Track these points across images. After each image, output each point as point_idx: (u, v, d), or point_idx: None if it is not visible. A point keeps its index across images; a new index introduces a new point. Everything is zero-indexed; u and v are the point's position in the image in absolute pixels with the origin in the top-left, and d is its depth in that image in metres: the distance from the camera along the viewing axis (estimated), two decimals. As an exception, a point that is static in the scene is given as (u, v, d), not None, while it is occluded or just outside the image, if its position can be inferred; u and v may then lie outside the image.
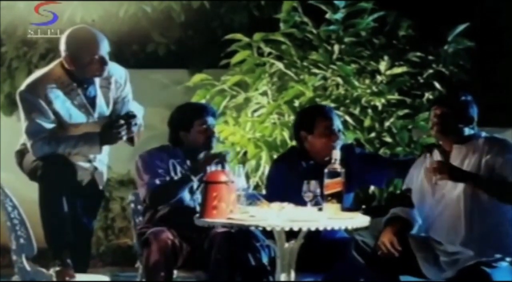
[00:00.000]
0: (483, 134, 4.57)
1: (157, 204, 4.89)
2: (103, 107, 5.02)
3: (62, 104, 4.89)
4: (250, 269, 4.67)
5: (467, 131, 4.53)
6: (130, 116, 4.93)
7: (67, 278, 4.68)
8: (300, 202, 4.43)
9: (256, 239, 4.68)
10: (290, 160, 4.93)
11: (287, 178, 4.77)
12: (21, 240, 4.72)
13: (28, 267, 4.71)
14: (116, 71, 5.08)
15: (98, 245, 7.47)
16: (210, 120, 4.98)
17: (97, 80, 4.97)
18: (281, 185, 4.78)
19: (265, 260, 4.71)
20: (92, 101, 4.97)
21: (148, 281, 4.69)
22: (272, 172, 5.00)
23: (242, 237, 4.63)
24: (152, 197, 4.87)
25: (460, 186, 4.45)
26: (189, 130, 4.96)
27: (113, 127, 4.88)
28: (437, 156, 4.60)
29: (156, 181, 4.86)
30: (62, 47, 4.89)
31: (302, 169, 4.87)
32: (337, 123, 4.94)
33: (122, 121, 4.88)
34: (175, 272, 4.79)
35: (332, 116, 4.94)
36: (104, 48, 4.87)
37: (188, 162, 4.98)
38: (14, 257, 4.77)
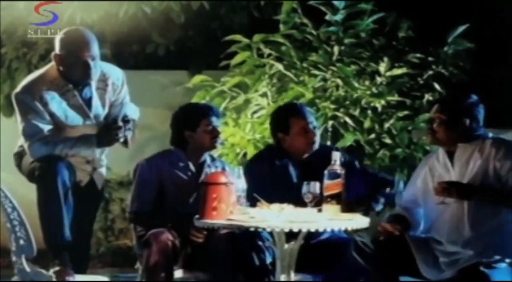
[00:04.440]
0: (490, 135, 4.56)
1: (136, 224, 4.97)
2: (98, 108, 5.01)
3: (58, 105, 4.88)
4: (254, 269, 4.67)
5: (471, 130, 4.51)
6: (125, 121, 4.90)
7: (66, 278, 4.68)
8: (280, 199, 4.43)
9: (260, 239, 4.68)
10: (267, 157, 4.94)
11: (264, 176, 4.76)
12: (21, 241, 4.72)
13: (27, 268, 4.71)
14: (113, 72, 5.07)
15: (98, 246, 7.48)
16: (215, 120, 4.98)
17: (93, 82, 4.96)
18: (259, 183, 4.75)
19: (269, 260, 4.70)
20: (88, 102, 4.96)
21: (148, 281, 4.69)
22: (248, 170, 4.95)
23: (247, 237, 4.62)
24: (132, 219, 4.99)
25: None
26: (195, 130, 4.94)
27: (111, 129, 4.88)
28: (442, 155, 4.60)
29: (141, 205, 4.89)
30: (55, 46, 4.91)
31: (280, 166, 4.88)
32: (311, 120, 4.93)
33: (120, 123, 4.87)
34: (179, 272, 4.79)
35: (306, 114, 4.92)
36: (90, 53, 4.83)
37: (190, 164, 4.98)
38: (13, 258, 4.77)
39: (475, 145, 4.48)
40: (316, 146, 4.91)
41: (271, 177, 4.72)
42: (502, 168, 4.40)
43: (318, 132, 4.95)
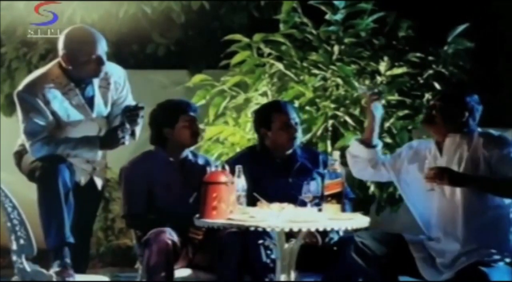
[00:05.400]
0: (479, 129, 4.59)
1: (133, 228, 4.99)
2: (101, 107, 5.01)
3: (60, 104, 4.89)
4: (262, 266, 4.66)
5: (466, 124, 4.54)
6: (139, 108, 4.91)
7: (66, 278, 4.68)
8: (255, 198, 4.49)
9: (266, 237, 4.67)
10: (241, 158, 4.94)
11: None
12: (21, 241, 4.72)
13: (28, 268, 4.71)
14: (115, 71, 5.08)
15: (98, 246, 7.47)
16: (194, 115, 4.98)
17: (95, 80, 4.96)
18: None
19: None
20: (90, 101, 4.97)
21: (148, 281, 4.68)
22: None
23: (255, 235, 4.61)
24: (128, 224, 5.04)
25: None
26: (173, 127, 4.95)
27: (117, 131, 4.87)
28: (431, 146, 4.62)
29: (133, 207, 4.90)
30: (60, 46, 4.89)
31: (255, 166, 4.88)
32: (294, 116, 4.99)
33: (127, 126, 4.87)
34: (184, 270, 4.79)
35: (288, 110, 5.00)
36: (102, 49, 4.86)
37: (172, 162, 4.97)
38: (14, 258, 4.77)
39: (463, 136, 4.51)
40: (297, 141, 4.99)
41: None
42: (492, 157, 4.44)
43: (299, 129, 5.03)
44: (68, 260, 4.75)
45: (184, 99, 5.28)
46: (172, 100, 5.17)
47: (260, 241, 4.66)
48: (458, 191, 4.47)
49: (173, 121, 4.94)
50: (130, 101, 5.12)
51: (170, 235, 4.68)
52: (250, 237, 4.61)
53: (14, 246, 4.76)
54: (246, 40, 6.26)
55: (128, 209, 4.92)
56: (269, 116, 5.00)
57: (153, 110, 5.05)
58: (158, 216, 4.85)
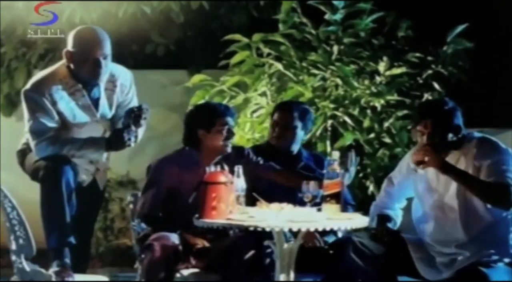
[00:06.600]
0: (475, 134, 4.57)
1: (147, 225, 4.90)
2: (106, 109, 5.01)
3: (67, 104, 4.89)
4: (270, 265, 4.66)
5: (459, 137, 4.53)
6: (142, 109, 4.89)
7: (65, 278, 4.68)
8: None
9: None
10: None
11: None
12: (20, 241, 4.73)
13: (27, 267, 4.72)
14: (122, 73, 5.08)
15: (98, 246, 7.48)
16: (231, 121, 4.93)
17: (102, 82, 4.96)
18: None
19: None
20: (96, 102, 4.97)
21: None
22: None
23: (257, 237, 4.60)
24: (142, 221, 4.89)
25: (453, 188, 4.47)
26: (209, 130, 4.86)
27: (123, 133, 4.86)
28: None
29: (152, 208, 4.81)
30: (67, 43, 4.90)
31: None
32: (295, 115, 5.07)
33: (133, 128, 4.86)
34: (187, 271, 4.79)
35: (288, 108, 5.11)
36: (102, 52, 4.84)
37: (204, 166, 4.89)
38: (13, 257, 4.78)
39: (462, 150, 4.49)
40: (296, 139, 5.05)
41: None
42: (481, 167, 4.42)
43: (299, 127, 5.07)
44: (67, 260, 4.76)
45: (224, 104, 5.28)
46: (212, 103, 5.15)
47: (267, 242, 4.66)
48: (454, 198, 4.47)
49: (210, 123, 4.85)
50: (135, 104, 5.10)
51: (172, 241, 4.65)
52: (261, 237, 4.59)
53: (13, 246, 4.77)
54: (245, 40, 6.27)
55: (148, 208, 4.81)
56: (272, 115, 5.14)
57: (190, 111, 4.99)
58: (173, 220, 4.80)
